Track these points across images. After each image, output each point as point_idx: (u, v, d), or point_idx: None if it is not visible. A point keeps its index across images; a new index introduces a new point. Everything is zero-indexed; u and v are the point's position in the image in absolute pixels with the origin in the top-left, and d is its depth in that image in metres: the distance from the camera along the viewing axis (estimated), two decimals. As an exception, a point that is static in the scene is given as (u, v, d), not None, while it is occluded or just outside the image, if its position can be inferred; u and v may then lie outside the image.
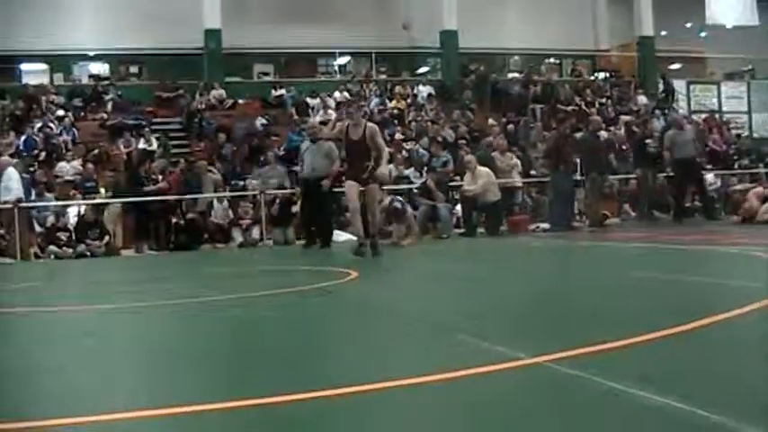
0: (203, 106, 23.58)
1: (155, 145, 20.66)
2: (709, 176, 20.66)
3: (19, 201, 15.73)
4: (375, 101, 25.07)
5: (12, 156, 18.73)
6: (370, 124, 11.18)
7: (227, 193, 18.24)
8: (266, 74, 28.32)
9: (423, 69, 30.36)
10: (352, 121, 10.86)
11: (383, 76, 28.60)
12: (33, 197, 17.24)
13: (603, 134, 19.45)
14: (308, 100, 24.63)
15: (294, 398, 2.82)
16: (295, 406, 2.76)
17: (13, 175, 15.93)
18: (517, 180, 17.92)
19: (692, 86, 30.07)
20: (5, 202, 15.70)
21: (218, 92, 24.56)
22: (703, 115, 27.38)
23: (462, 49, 28.08)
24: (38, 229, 16.83)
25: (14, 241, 15.71)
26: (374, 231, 10.83)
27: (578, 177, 17.13)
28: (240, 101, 24.83)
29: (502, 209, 16.38)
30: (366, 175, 10.48)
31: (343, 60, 30.20)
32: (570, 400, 2.69)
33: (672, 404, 2.47)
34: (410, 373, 3.10)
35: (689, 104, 29.30)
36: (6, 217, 15.97)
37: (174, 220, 17.15)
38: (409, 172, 19.11)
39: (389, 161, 16.18)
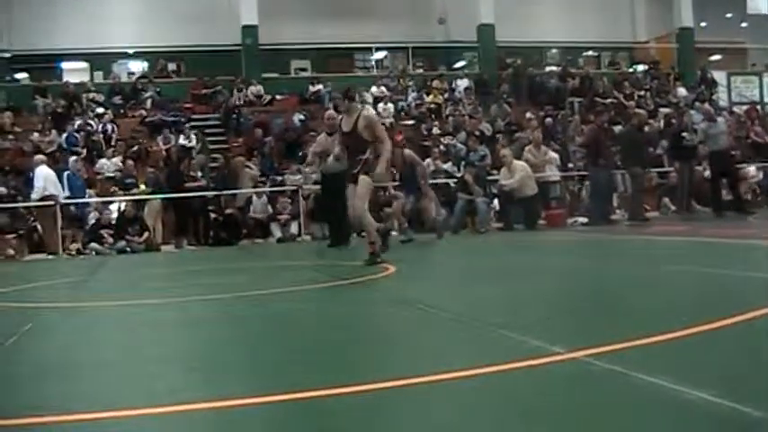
0: (241, 102, 23.73)
1: (194, 141, 20.86)
2: (751, 169, 20.44)
3: (45, 199, 16.02)
4: (412, 95, 25.10)
5: (53, 153, 19.10)
6: (365, 113, 9.52)
7: (266, 189, 18.35)
8: (303, 69, 28.41)
9: (460, 64, 30.30)
10: (343, 110, 9.45)
11: (420, 71, 28.61)
12: (88, 195, 17.61)
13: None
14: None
15: (335, 392, 2.84)
16: (336, 400, 2.78)
17: (39, 173, 16.21)
18: (553, 174, 17.83)
19: (732, 78, 29.72)
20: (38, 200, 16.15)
21: (256, 88, 24.69)
22: (744, 107, 27.05)
23: (499, 43, 28.00)
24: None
25: (53, 237, 16.01)
26: (359, 229, 9.31)
27: (616, 171, 17.05)
28: (278, 96, 24.95)
29: (539, 203, 16.34)
30: (358, 169, 8.82)
31: (380, 55, 30.22)
32: (609, 396, 2.68)
33: (712, 399, 2.45)
34: (447, 368, 3.10)
35: (729, 96, 28.96)
36: (39, 214, 16.29)
37: (212, 216, 17.29)
38: (447, 166, 19.12)
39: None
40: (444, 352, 3.70)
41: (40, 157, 17.24)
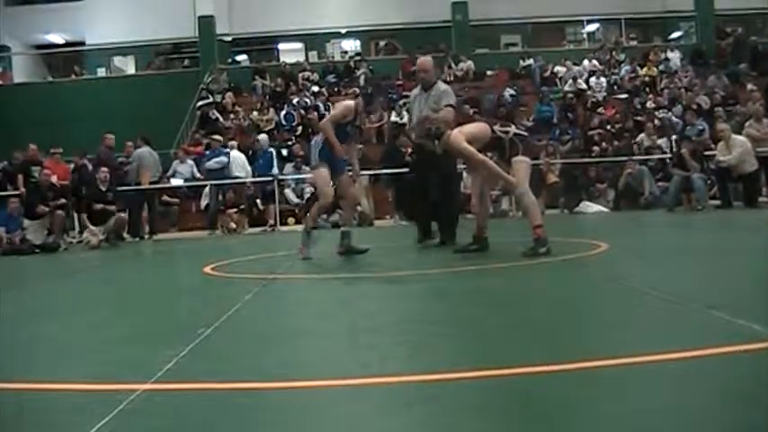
0: (452, 78, 23.86)
1: (405, 118, 21.21)
2: None
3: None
4: (625, 68, 24.48)
5: (270, 132, 20.06)
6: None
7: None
8: (513, 44, 28.26)
9: (676, 34, 29.26)
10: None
11: (633, 43, 27.84)
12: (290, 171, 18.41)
13: None
14: (557, 69, 24.39)
15: (540, 370, 2.87)
16: (541, 378, 2.81)
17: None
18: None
19: None
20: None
21: (466, 63, 24.77)
22: None
23: (718, 11, 26.85)
24: (295, 200, 17.92)
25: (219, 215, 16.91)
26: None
27: None
28: (488, 72, 24.95)
29: (760, 179, 15.63)
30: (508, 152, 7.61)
31: (591, 28, 29.63)
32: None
33: None
34: (658, 349, 3.06)
35: None
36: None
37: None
38: (662, 141, 18.58)
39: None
40: (655, 332, 3.64)
41: (231, 142, 18.62)
